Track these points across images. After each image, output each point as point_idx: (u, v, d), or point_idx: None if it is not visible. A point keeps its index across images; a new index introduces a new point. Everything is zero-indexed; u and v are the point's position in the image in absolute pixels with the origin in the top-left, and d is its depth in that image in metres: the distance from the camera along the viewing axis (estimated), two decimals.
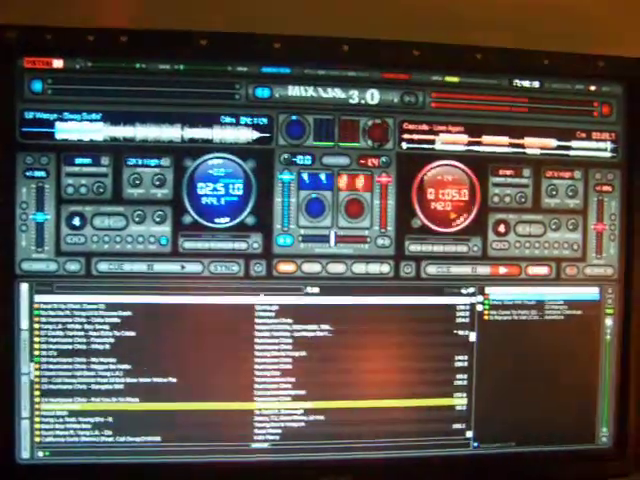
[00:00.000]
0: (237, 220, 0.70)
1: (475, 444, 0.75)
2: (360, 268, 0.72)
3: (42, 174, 0.68)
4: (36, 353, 0.69)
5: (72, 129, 0.68)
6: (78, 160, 0.69)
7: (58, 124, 0.68)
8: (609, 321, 0.76)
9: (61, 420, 0.70)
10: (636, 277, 0.76)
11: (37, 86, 0.68)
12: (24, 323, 0.69)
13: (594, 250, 0.76)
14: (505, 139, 0.74)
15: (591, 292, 0.76)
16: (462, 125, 0.73)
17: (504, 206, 0.74)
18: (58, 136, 0.68)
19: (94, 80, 0.68)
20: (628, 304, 0.76)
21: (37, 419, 0.70)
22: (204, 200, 0.70)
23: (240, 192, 0.70)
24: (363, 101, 0.72)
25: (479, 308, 0.74)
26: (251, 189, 0.70)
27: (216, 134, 0.70)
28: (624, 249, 0.76)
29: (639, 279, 0.76)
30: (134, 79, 0.69)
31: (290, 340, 0.72)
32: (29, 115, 0.68)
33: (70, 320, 0.69)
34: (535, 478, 0.77)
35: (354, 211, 0.72)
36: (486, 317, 0.74)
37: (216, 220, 0.70)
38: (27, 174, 0.68)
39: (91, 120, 0.69)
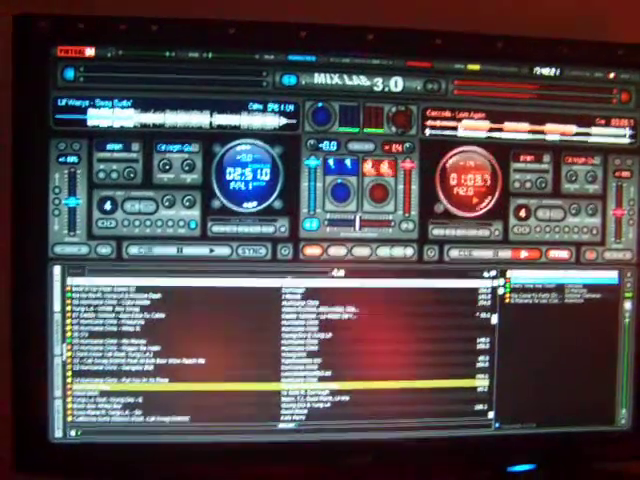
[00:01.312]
0: (264, 204, 0.72)
1: (497, 425, 0.77)
2: (384, 252, 0.74)
3: (74, 160, 0.70)
4: (68, 334, 0.71)
5: (103, 116, 0.70)
6: (109, 146, 0.70)
7: (90, 111, 0.70)
8: (628, 304, 0.78)
9: (92, 400, 0.72)
10: None
11: (69, 74, 0.69)
12: (57, 305, 0.71)
13: (613, 235, 0.77)
14: (526, 125, 0.75)
15: (610, 276, 0.77)
16: (484, 112, 0.74)
17: (525, 191, 0.75)
18: (90, 122, 0.70)
19: (125, 68, 0.70)
20: None
21: (69, 399, 0.72)
22: (232, 185, 0.71)
23: (267, 177, 0.72)
24: (387, 88, 0.73)
25: (501, 291, 0.75)
26: (278, 174, 0.72)
27: (244, 120, 0.71)
28: None
29: None
30: (164, 67, 0.70)
31: (316, 322, 0.73)
32: (62, 102, 0.69)
33: (101, 302, 0.71)
34: (555, 459, 0.79)
35: (379, 196, 0.73)
36: (507, 300, 0.76)
37: (244, 204, 0.72)
38: (60, 160, 0.70)
39: (122, 107, 0.70)
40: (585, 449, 0.79)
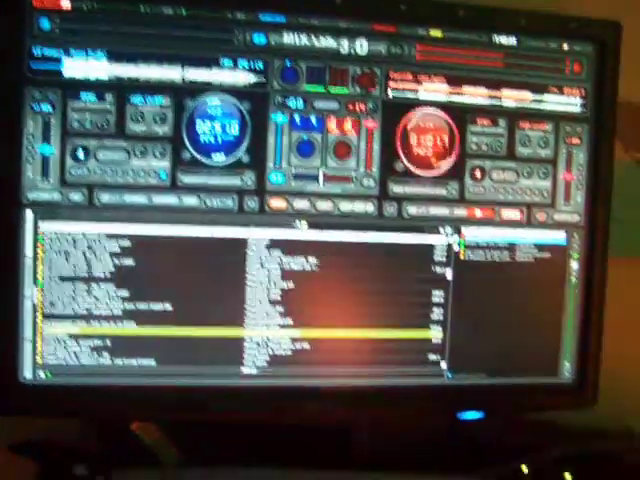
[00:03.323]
0: (233, 158, 0.75)
1: (449, 375, 0.81)
2: (346, 206, 0.77)
3: (49, 108, 0.72)
4: (39, 278, 0.73)
5: (78, 67, 0.72)
6: (84, 96, 0.72)
7: (65, 61, 0.72)
8: (574, 264, 0.82)
9: (62, 343, 0.74)
10: (600, 224, 0.82)
11: (45, 24, 0.71)
12: (28, 250, 0.73)
13: (563, 198, 0.82)
14: (483, 91, 0.79)
15: (559, 237, 0.82)
16: (444, 76, 0.78)
17: (481, 153, 0.79)
18: (65, 73, 0.72)
19: (100, 21, 0.72)
20: (592, 249, 0.82)
21: (39, 341, 0.74)
22: (202, 138, 0.74)
23: (236, 131, 0.75)
24: (353, 50, 0.76)
25: (455, 247, 0.80)
26: (246, 129, 0.75)
27: (215, 76, 0.74)
28: (590, 198, 0.82)
29: (603, 226, 0.82)
30: (138, 21, 0.72)
31: (279, 272, 0.76)
32: (37, 52, 0.71)
33: (72, 248, 0.73)
34: (503, 408, 0.84)
35: (342, 153, 0.77)
36: (462, 256, 0.80)
37: (213, 157, 0.74)
38: (34, 108, 0.72)
39: (97, 59, 0.72)
40: (531, 399, 0.83)
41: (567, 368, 0.83)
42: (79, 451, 0.82)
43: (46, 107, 0.72)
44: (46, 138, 0.72)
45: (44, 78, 0.72)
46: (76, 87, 0.72)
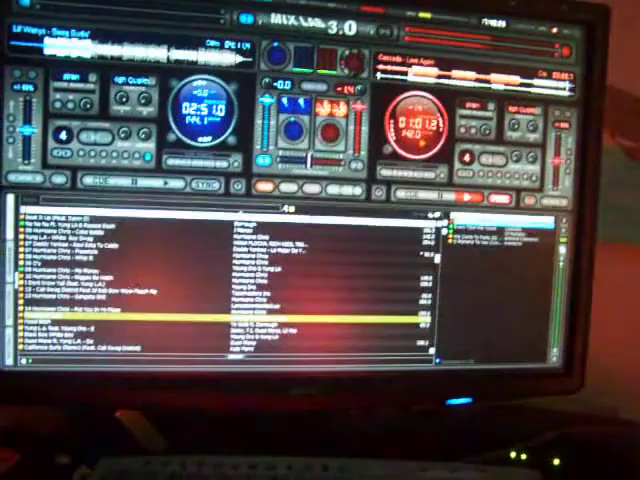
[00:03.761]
0: (219, 140, 0.73)
1: (437, 360, 0.80)
2: (334, 190, 0.76)
3: (30, 88, 0.70)
4: (21, 263, 0.71)
5: (60, 45, 0.70)
6: (66, 76, 0.70)
7: (47, 39, 0.70)
8: (562, 249, 0.82)
9: (44, 329, 0.72)
10: (588, 209, 0.82)
11: (25, 1, 0.69)
12: (9, 233, 0.71)
13: (551, 182, 0.81)
14: (472, 74, 0.78)
15: (547, 221, 0.82)
16: (433, 59, 0.77)
17: (470, 137, 0.79)
18: (46, 51, 0.70)
19: None
20: (580, 234, 0.82)
21: (20, 327, 0.72)
22: (188, 119, 0.73)
23: (222, 113, 0.73)
24: (341, 32, 0.75)
25: (444, 232, 0.79)
26: (233, 111, 0.73)
27: (201, 56, 0.73)
28: (578, 182, 0.81)
29: (591, 211, 0.82)
30: None
31: (266, 256, 0.75)
32: (17, 29, 0.69)
33: (55, 231, 0.72)
34: (491, 394, 0.83)
35: (330, 135, 0.76)
36: (450, 240, 0.79)
37: (199, 139, 0.73)
38: (15, 87, 0.70)
39: (80, 37, 0.70)
40: (519, 385, 0.83)
41: (555, 353, 0.83)
42: (61, 440, 0.80)
43: (27, 87, 0.70)
44: (27, 119, 0.70)
45: (25, 57, 0.70)
46: (58, 66, 0.70)
